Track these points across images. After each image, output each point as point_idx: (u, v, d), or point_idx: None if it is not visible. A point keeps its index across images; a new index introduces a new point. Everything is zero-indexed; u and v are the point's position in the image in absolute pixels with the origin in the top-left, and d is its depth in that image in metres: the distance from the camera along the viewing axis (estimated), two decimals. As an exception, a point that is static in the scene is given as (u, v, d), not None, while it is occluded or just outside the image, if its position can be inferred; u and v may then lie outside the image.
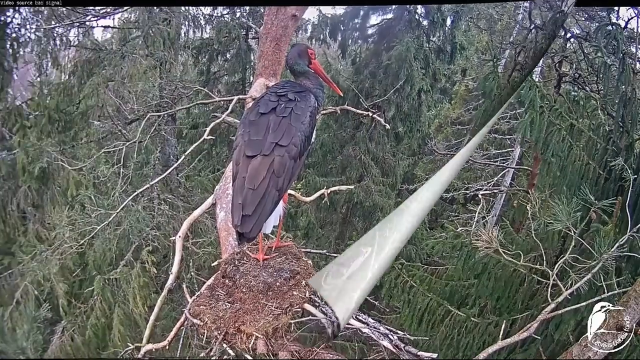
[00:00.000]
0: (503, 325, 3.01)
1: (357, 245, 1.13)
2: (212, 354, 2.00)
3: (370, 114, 5.49)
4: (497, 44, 10.54)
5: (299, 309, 2.12)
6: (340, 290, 1.06)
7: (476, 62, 12.20)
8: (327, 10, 11.51)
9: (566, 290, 2.81)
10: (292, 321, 2.06)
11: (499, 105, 4.64)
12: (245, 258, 2.35)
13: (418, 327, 4.74)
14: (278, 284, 2.17)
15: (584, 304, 2.83)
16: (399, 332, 2.10)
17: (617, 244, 2.93)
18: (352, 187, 4.00)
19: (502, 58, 10.70)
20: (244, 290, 2.17)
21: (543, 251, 3.49)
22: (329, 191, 3.25)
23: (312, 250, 3.25)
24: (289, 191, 3.11)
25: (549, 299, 2.82)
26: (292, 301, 2.12)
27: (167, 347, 2.25)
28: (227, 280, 2.26)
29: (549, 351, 3.87)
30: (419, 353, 2.02)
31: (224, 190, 2.87)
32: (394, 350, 2.03)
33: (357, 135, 10.54)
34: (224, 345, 1.99)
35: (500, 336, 2.76)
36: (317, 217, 10.64)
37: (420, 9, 10.25)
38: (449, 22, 10.62)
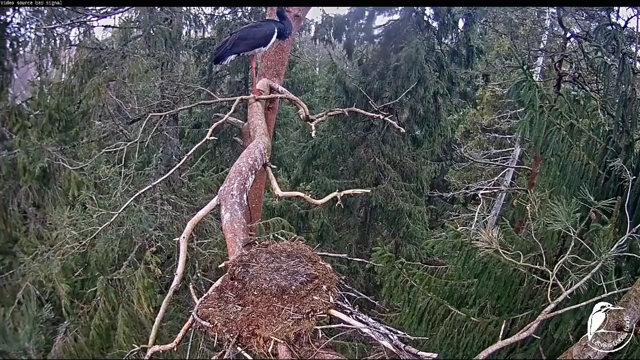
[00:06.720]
0: (503, 325, 3.02)
1: None
2: (225, 356, 1.97)
3: (382, 117, 5.37)
4: (523, 50, 9.97)
5: (324, 315, 2.09)
6: None
7: (499, 67, 11.67)
8: (331, 10, 11.37)
9: (566, 290, 2.82)
10: (318, 327, 2.03)
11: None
12: (254, 260, 2.32)
13: (418, 326, 4.74)
14: (294, 287, 2.13)
15: (583, 304, 2.84)
16: (399, 332, 2.09)
17: (616, 244, 2.94)
18: (368, 190, 3.92)
19: (535, 65, 10.20)
20: (255, 293, 2.13)
21: (543, 251, 3.52)
22: (342, 194, 3.08)
23: (331, 254, 3.10)
24: (299, 193, 3.26)
25: (549, 299, 2.83)
26: (313, 306, 2.08)
27: (175, 349, 2.21)
28: (236, 283, 2.22)
29: (549, 351, 3.89)
30: (419, 353, 2.01)
31: (228, 191, 2.83)
32: (394, 350, 2.02)
33: (368, 137, 10.27)
34: (239, 349, 1.97)
35: (500, 336, 2.77)
36: (331, 220, 10.36)
37: (428, 10, 10.02)
38: (461, 24, 10.27)
